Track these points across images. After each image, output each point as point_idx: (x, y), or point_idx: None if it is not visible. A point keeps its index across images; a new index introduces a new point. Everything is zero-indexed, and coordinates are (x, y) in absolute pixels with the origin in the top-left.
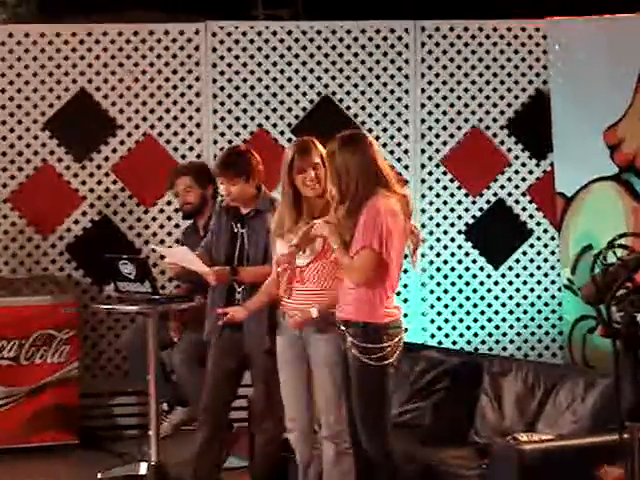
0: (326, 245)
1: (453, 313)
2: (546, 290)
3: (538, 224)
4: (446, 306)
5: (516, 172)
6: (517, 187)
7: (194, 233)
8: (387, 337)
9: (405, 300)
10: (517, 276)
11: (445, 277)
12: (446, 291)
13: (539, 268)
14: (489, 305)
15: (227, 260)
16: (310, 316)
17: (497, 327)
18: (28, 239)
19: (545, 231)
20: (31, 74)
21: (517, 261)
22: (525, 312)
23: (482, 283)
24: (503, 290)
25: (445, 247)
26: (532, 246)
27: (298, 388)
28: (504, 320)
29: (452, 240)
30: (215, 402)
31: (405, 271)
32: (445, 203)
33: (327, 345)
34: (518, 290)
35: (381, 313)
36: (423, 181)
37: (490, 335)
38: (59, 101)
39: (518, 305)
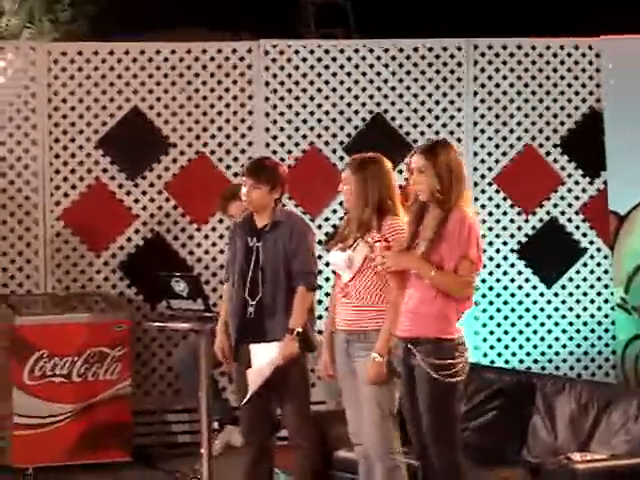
0: (364, 263)
1: (505, 332)
2: (599, 309)
3: (591, 242)
4: (499, 325)
5: (569, 190)
6: (570, 205)
7: None
8: (459, 354)
9: None
10: (570, 295)
11: (498, 296)
12: (499, 310)
13: (592, 287)
14: (542, 324)
15: (242, 277)
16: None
17: (550, 346)
18: (81, 256)
19: (598, 250)
20: (84, 92)
21: (570, 280)
22: (578, 331)
23: (535, 302)
24: (556, 309)
25: (498, 265)
26: (585, 265)
27: (356, 402)
28: (557, 339)
29: (505, 259)
30: (255, 423)
31: None
32: (498, 221)
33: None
34: (571, 309)
35: (454, 328)
36: (476, 199)
37: (543, 354)
38: (112, 119)
39: (571, 324)
